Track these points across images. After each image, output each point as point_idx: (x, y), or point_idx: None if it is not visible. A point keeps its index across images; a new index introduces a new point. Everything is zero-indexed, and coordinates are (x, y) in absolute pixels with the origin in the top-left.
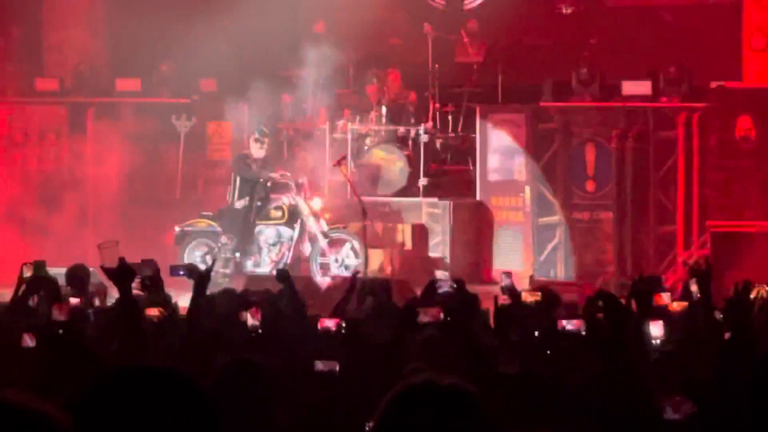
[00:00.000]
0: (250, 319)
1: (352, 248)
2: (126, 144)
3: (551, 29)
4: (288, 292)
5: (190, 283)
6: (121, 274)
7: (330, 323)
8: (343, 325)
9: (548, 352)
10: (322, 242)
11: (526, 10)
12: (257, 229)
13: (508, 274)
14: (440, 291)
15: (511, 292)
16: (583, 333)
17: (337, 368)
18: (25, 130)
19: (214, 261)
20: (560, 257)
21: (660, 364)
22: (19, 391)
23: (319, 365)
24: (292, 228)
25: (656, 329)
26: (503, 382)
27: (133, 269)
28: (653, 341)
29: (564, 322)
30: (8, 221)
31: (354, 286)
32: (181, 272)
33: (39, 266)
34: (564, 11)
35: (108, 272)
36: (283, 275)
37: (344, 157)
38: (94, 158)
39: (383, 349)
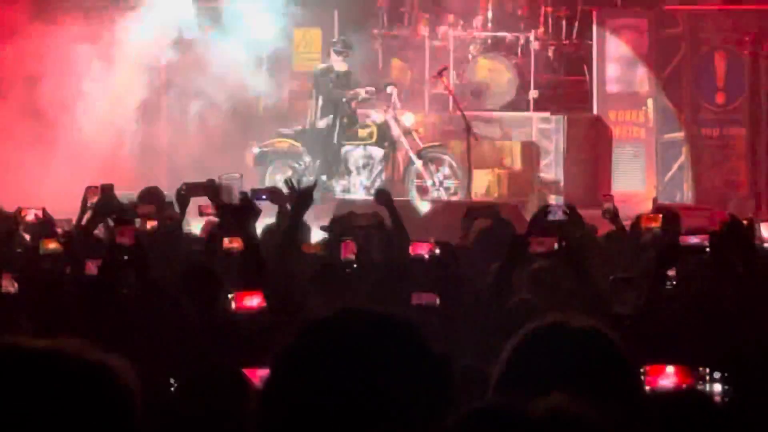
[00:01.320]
0: (345, 253)
1: (451, 168)
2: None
3: None
4: (390, 214)
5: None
6: (244, 211)
7: (423, 248)
8: (437, 250)
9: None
10: (417, 162)
11: None
12: (344, 150)
13: (609, 197)
14: (551, 218)
15: (614, 217)
16: (707, 249)
17: (437, 301)
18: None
19: (316, 182)
20: (687, 178)
21: None
22: (78, 341)
23: (416, 298)
24: (383, 148)
25: None
26: (617, 323)
27: (256, 207)
28: (765, 244)
29: (688, 237)
30: (64, 142)
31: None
32: (264, 197)
33: (107, 190)
34: None
35: (227, 209)
36: (383, 196)
37: (446, 68)
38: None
39: (489, 280)
